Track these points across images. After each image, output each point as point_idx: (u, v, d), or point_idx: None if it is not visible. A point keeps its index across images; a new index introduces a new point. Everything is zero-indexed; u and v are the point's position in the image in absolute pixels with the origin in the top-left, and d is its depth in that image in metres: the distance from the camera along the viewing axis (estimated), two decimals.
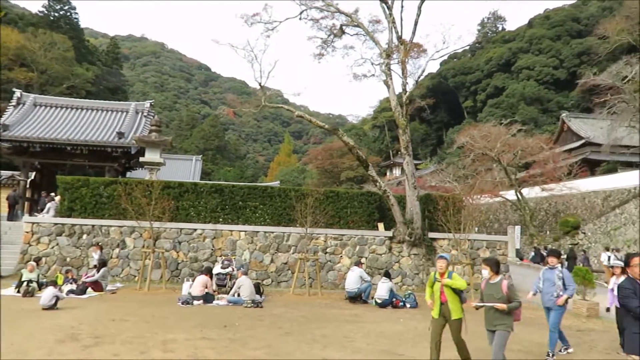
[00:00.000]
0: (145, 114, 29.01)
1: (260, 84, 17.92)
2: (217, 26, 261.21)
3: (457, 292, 6.79)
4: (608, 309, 8.98)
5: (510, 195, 34.67)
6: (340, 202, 18.26)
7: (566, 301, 8.28)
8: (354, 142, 18.18)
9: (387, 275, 14.37)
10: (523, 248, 31.72)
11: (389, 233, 17.57)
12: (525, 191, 34.98)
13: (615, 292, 8.33)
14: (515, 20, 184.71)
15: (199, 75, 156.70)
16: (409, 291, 15.01)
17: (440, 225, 16.59)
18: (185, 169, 44.46)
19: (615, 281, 8.67)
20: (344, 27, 19.71)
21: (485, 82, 71.75)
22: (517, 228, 33.00)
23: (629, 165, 38.04)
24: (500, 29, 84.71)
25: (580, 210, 34.37)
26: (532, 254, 29.14)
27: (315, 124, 18.55)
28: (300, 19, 19.33)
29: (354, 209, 18.31)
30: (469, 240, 17.12)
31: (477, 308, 6.37)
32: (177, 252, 16.57)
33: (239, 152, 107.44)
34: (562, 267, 8.57)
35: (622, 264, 8.75)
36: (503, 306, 6.07)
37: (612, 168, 38.46)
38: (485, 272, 6.37)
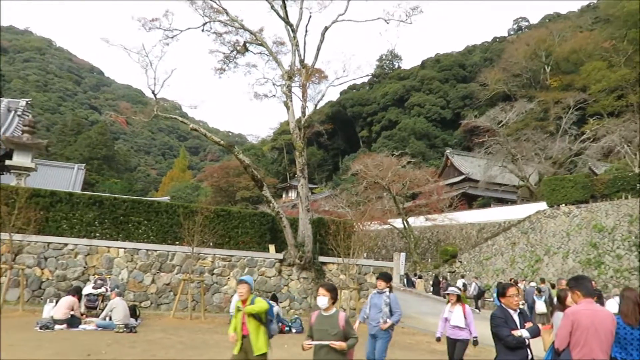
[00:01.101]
0: (19, 113, 26.00)
1: (153, 92, 16.92)
2: (112, 27, 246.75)
3: (263, 322, 5.77)
4: (438, 339, 8.17)
5: (398, 223, 36.41)
6: (231, 222, 17.66)
7: (392, 327, 7.62)
8: (250, 161, 17.80)
9: (274, 298, 14.04)
10: (407, 274, 33.25)
11: (280, 255, 17.29)
12: (411, 220, 36.98)
13: (450, 321, 7.77)
14: (410, 60, 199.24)
15: (90, 78, 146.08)
16: (296, 316, 14.77)
17: (331, 250, 16.71)
18: (64, 178, 40.61)
19: (449, 309, 7.89)
20: (247, 45, 19.50)
21: (380, 114, 75.70)
22: (403, 255, 34.61)
23: (500, 201, 42.04)
24: (396, 66, 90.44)
25: (458, 240, 37.04)
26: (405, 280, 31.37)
27: (211, 139, 17.90)
28: (203, 30, 18.77)
29: (246, 229, 17.81)
30: (357, 265, 17.42)
31: (305, 349, 5.00)
32: (42, 269, 14.71)
33: (129, 164, 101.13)
34: (390, 291, 7.83)
35: (457, 291, 8.07)
36: (342, 345, 4.82)
37: (486, 203, 42.22)
38: (324, 300, 4.95)
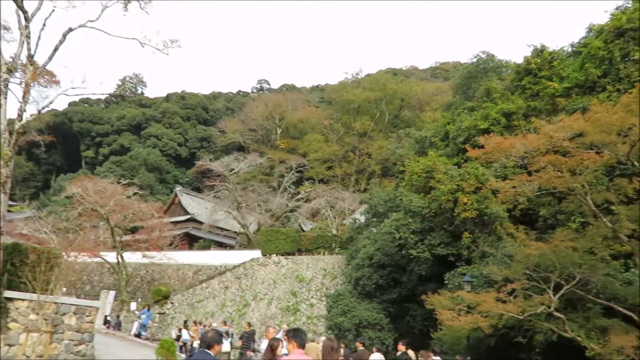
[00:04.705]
0: None
1: None
2: None
3: None
4: None
5: (111, 257, 33.49)
6: None
7: None
8: None
9: None
10: (112, 314, 30.46)
11: None
12: (127, 255, 34.52)
13: None
14: (155, 89, 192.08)
15: None
16: None
17: (24, 283, 13.96)
18: None
19: None
20: None
21: (112, 137, 70.56)
22: (112, 293, 31.69)
23: (221, 245, 43.56)
24: (139, 91, 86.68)
25: (173, 281, 36.28)
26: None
27: None
28: None
29: None
30: (55, 303, 14.99)
31: None
32: None
33: None
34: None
35: None
36: None
37: (207, 245, 43.03)
38: None
